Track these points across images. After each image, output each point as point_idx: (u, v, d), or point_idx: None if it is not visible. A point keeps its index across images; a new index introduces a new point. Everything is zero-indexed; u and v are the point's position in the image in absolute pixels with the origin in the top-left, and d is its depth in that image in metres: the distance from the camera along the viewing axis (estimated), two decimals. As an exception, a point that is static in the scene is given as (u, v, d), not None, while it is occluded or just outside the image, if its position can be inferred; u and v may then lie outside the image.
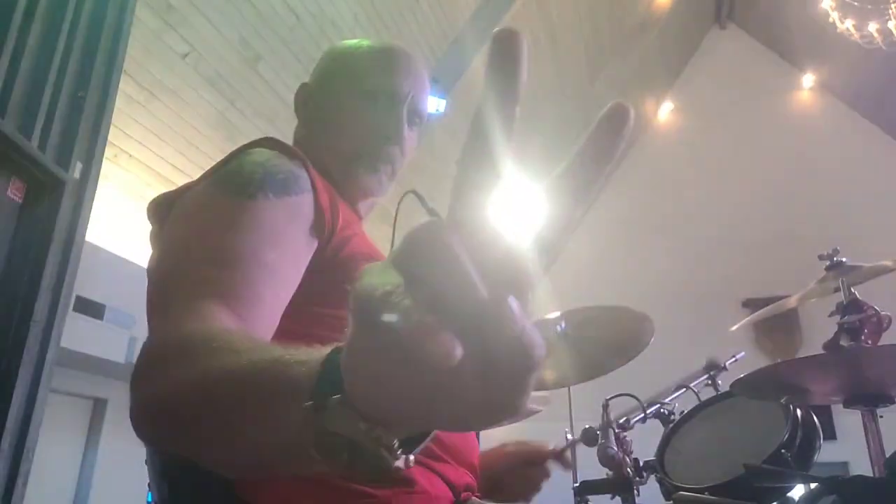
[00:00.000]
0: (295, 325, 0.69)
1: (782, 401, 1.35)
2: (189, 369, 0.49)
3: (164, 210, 0.80)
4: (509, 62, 0.31)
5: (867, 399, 1.21)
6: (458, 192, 0.30)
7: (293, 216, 0.74)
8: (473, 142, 0.31)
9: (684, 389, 1.71)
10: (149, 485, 0.81)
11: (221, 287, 0.61)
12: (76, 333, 2.72)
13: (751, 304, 6.36)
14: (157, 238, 0.81)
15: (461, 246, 0.28)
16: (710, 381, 1.78)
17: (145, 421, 0.54)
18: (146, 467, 0.81)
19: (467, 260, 0.27)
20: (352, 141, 0.96)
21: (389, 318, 0.28)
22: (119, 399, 3.64)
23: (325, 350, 0.39)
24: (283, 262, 0.70)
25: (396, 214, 0.87)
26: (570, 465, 1.11)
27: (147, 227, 0.82)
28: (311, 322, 0.74)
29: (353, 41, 1.05)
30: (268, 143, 0.84)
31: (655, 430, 1.62)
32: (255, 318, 0.62)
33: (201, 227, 0.69)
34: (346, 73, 0.99)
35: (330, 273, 0.77)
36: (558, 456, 1.10)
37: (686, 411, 1.65)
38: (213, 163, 0.80)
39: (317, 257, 0.77)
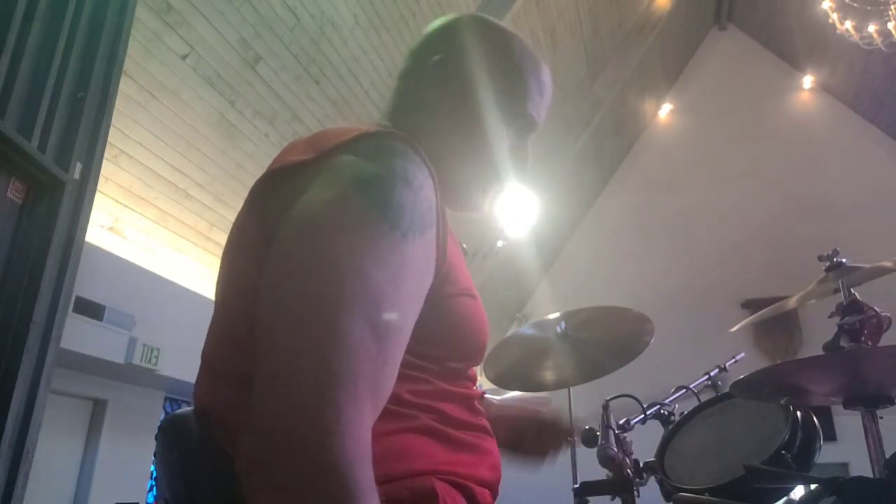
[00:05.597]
0: None
1: (782, 402, 1.35)
2: None
3: (262, 185, 0.74)
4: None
5: (867, 400, 1.21)
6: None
7: (428, 259, 0.69)
8: None
9: (684, 390, 1.70)
10: (154, 483, 0.80)
11: (374, 380, 0.59)
12: (76, 334, 2.72)
13: (750, 305, 6.36)
14: (261, 201, 0.73)
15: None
16: (709, 382, 1.78)
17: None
18: (155, 465, 0.80)
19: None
20: (488, 163, 0.87)
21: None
22: (118, 400, 3.63)
23: None
24: (412, 323, 0.66)
25: None
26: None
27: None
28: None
29: (512, 36, 0.91)
30: (400, 140, 0.72)
31: (655, 430, 1.62)
32: (382, 405, 0.62)
33: (357, 259, 0.61)
34: (518, 84, 0.88)
35: (427, 312, 0.69)
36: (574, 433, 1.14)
37: (686, 412, 1.64)
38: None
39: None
